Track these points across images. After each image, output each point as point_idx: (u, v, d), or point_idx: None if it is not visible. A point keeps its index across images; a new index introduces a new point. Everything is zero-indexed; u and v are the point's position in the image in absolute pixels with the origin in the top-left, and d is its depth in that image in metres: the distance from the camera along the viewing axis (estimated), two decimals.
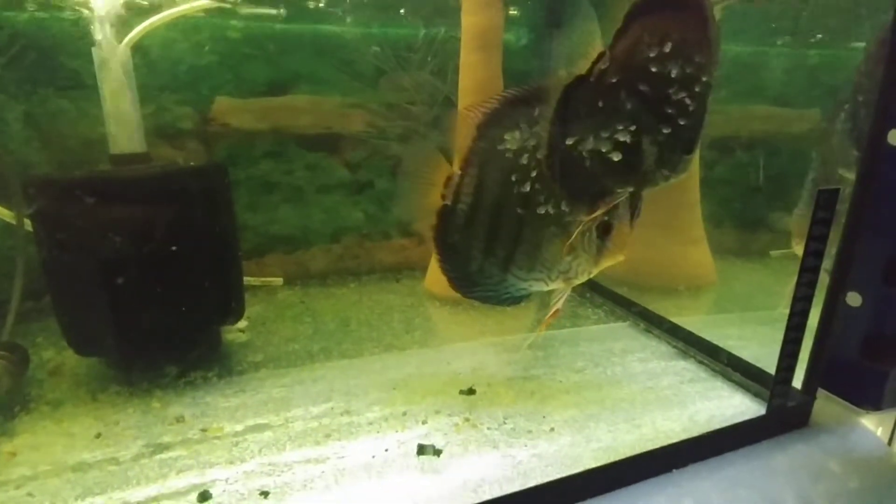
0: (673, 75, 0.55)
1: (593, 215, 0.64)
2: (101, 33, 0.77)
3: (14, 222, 0.88)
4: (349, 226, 1.27)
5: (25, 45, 0.96)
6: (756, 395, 0.78)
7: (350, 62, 1.17)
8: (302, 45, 1.15)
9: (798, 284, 0.68)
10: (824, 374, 0.74)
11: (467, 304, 1.08)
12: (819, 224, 0.66)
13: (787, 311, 0.69)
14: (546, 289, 0.72)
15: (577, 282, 0.71)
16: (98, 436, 0.69)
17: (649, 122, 0.57)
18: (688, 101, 0.56)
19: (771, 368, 0.76)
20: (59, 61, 0.98)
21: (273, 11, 1.05)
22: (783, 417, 0.75)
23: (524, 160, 0.66)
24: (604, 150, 0.59)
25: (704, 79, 0.56)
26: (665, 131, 0.58)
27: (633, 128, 0.57)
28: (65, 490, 0.60)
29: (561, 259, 0.68)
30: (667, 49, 0.55)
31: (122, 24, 0.79)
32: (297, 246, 1.25)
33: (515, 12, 1.27)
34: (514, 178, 0.66)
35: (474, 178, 0.69)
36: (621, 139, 0.58)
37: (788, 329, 0.70)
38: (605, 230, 0.67)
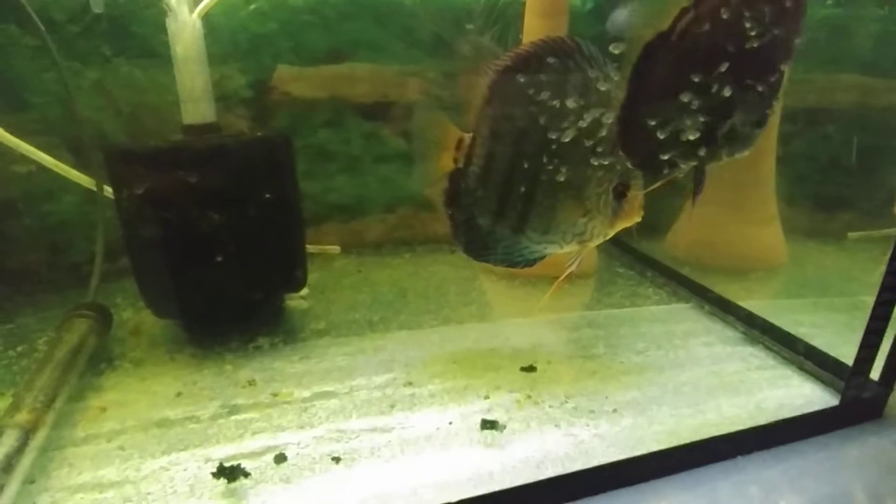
0: (761, 39, 0.52)
1: (652, 187, 0.62)
2: (174, 3, 0.77)
3: (95, 189, 0.92)
4: (404, 196, 1.27)
5: (98, 14, 0.98)
6: (828, 384, 0.76)
7: (409, 29, 1.15)
8: (362, 12, 1.14)
9: (887, 273, 0.64)
10: None
11: (523, 279, 1.08)
12: None
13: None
14: (560, 251, 0.72)
15: (593, 244, 0.71)
16: (178, 394, 0.73)
17: (729, 89, 0.54)
18: (772, 68, 0.53)
19: (845, 358, 0.73)
20: (131, 30, 1.00)
21: None
22: (857, 409, 0.72)
23: (539, 119, 0.64)
24: (678, 118, 0.56)
25: (792, 44, 0.52)
26: (744, 101, 0.55)
27: (710, 95, 0.54)
28: (151, 445, 0.64)
29: (576, 221, 0.67)
30: (759, 9, 0.51)
31: None
32: (353, 215, 1.26)
33: None
34: (528, 138, 0.65)
35: (486, 140, 0.68)
36: (697, 108, 0.55)
37: (871, 319, 0.67)
38: (620, 192, 0.65)
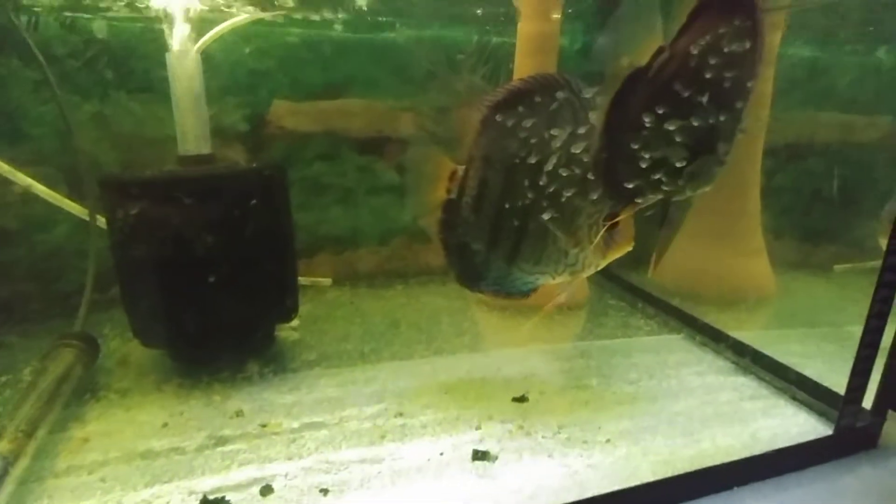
0: (723, 81, 0.55)
1: (615, 219, 0.63)
2: (175, 40, 0.79)
3: (88, 219, 0.92)
4: (397, 228, 1.28)
5: (99, 49, 1.00)
6: (821, 414, 0.75)
7: (403, 66, 1.19)
8: (356, 49, 1.17)
9: (874, 300, 0.65)
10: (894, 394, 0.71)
11: (515, 310, 1.07)
12: None
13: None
14: (553, 282, 0.72)
15: (585, 274, 0.71)
16: (164, 425, 0.72)
17: (693, 128, 0.56)
18: (733, 107, 0.56)
19: (836, 387, 0.73)
20: (130, 65, 1.02)
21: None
22: (851, 438, 0.72)
23: (529, 152, 0.65)
24: (648, 149, 0.58)
25: (748, 86, 0.55)
26: (707, 138, 0.57)
27: (678, 129, 0.56)
28: (134, 477, 0.62)
29: (567, 252, 0.68)
30: (725, 52, 0.54)
31: (195, 30, 0.82)
32: (346, 247, 1.27)
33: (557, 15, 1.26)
34: (519, 171, 0.66)
35: (478, 172, 0.69)
36: (664, 143, 0.57)
37: (861, 346, 0.67)
38: (611, 223, 0.66)
